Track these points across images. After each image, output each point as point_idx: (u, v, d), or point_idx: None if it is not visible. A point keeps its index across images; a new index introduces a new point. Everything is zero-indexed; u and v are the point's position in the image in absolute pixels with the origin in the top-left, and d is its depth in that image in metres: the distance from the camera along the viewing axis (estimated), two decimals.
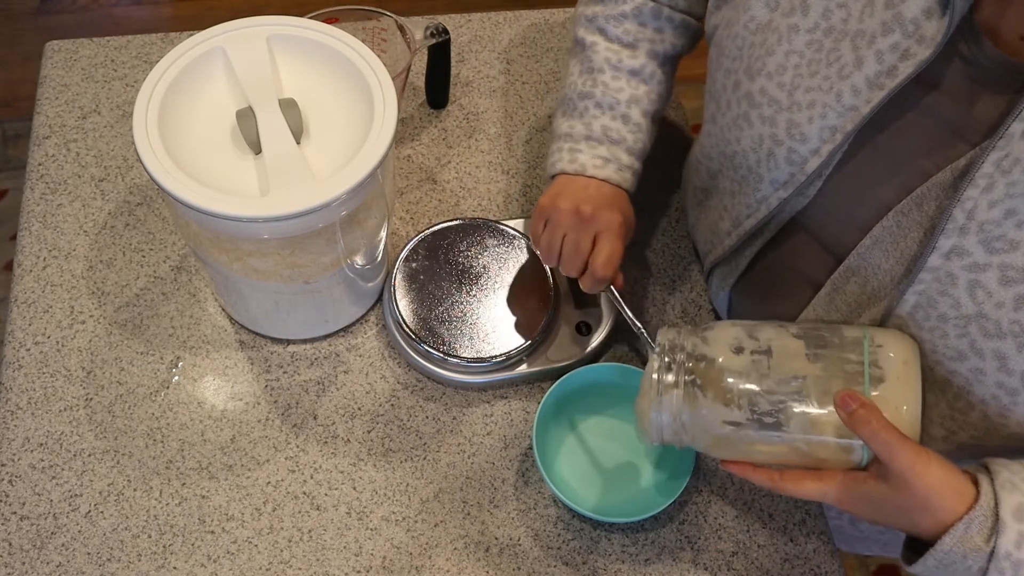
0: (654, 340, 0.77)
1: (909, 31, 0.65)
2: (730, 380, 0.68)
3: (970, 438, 0.73)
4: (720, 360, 0.69)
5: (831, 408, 0.65)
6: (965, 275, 0.65)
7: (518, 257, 0.93)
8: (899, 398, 0.65)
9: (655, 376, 0.71)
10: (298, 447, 0.86)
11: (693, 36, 0.92)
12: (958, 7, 0.62)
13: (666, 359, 0.71)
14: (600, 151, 0.86)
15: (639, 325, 0.83)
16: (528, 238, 0.94)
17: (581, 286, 0.85)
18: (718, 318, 0.96)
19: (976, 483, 0.63)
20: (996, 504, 0.61)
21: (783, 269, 0.83)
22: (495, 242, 0.94)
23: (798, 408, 0.66)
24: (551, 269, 0.92)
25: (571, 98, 0.89)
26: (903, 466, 0.61)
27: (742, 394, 0.67)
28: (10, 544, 0.79)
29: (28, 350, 0.89)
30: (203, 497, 0.83)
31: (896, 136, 0.70)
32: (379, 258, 0.89)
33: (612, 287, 0.84)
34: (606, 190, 0.85)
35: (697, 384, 0.69)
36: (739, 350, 0.69)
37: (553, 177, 0.88)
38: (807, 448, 0.67)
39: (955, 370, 0.68)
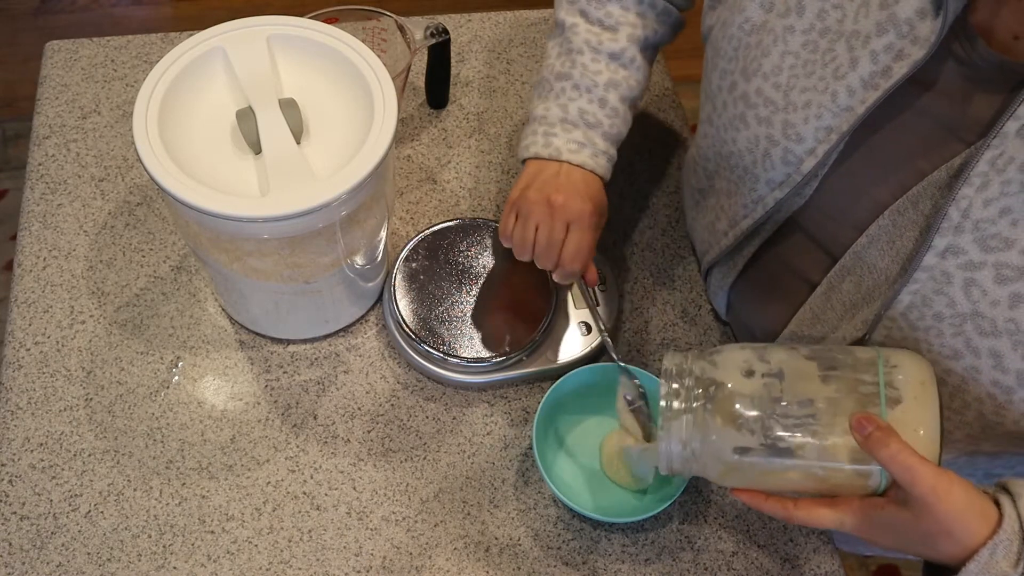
0: (615, 343, 0.77)
1: (903, 32, 0.65)
2: (740, 405, 0.66)
3: (966, 437, 0.73)
4: (730, 385, 0.67)
5: (846, 431, 0.63)
6: (960, 274, 0.65)
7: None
8: (916, 420, 0.63)
9: (663, 403, 0.68)
10: (298, 447, 0.86)
11: (674, 26, 0.91)
12: (951, 7, 0.62)
13: (674, 385, 0.69)
14: (575, 135, 0.84)
15: (603, 326, 0.84)
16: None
17: (554, 278, 0.85)
18: (717, 318, 0.96)
19: (998, 504, 0.60)
20: (1022, 527, 0.59)
21: (780, 268, 0.83)
22: (495, 242, 0.94)
23: (812, 432, 0.64)
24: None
25: (547, 79, 0.88)
26: (924, 490, 0.59)
27: (754, 419, 0.65)
28: (10, 544, 0.79)
29: (28, 350, 0.89)
30: (203, 497, 0.83)
31: (891, 136, 0.70)
32: (379, 258, 0.89)
33: (584, 281, 0.84)
34: (577, 176, 0.83)
35: (707, 409, 0.67)
36: (750, 373, 0.67)
37: (524, 162, 0.87)
38: (822, 473, 0.65)
39: (950, 369, 0.68)
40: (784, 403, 0.65)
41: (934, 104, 0.67)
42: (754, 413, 0.65)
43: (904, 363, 0.66)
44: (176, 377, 0.89)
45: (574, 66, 0.86)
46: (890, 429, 0.61)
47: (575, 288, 0.91)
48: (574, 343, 0.90)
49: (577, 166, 0.83)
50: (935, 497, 0.59)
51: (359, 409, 0.88)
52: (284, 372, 0.90)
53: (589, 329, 0.91)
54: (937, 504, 0.59)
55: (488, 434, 0.88)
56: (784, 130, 0.72)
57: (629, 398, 0.83)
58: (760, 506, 0.67)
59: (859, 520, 0.64)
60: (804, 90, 0.71)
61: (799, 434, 0.64)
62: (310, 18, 0.88)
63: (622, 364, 0.84)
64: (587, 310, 0.92)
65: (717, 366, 0.68)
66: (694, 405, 0.67)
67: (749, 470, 0.67)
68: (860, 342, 0.74)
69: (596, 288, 0.91)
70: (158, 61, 0.77)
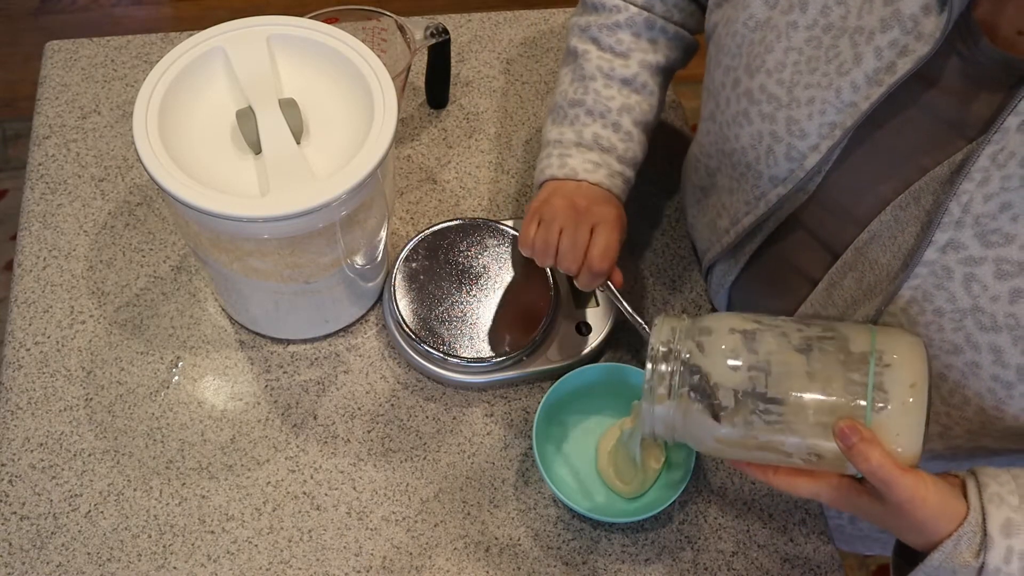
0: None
1: (908, 28, 0.65)
2: (723, 398, 0.65)
3: (966, 433, 0.73)
4: (714, 376, 0.66)
5: (828, 432, 0.63)
6: (961, 269, 0.65)
7: (518, 257, 0.93)
8: (899, 426, 0.62)
9: (647, 387, 0.68)
10: (298, 447, 0.86)
11: (687, 50, 0.91)
12: (956, 3, 0.62)
13: (661, 367, 0.68)
14: (591, 156, 0.85)
15: (641, 322, 0.82)
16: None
17: (577, 283, 0.84)
18: None
19: (965, 493, 0.62)
20: (984, 519, 0.61)
21: (781, 265, 0.83)
22: (495, 242, 0.94)
23: (793, 430, 0.64)
24: (551, 269, 0.92)
25: (561, 106, 0.88)
26: (901, 499, 0.61)
27: (736, 411, 0.65)
28: (10, 544, 0.79)
29: (28, 350, 0.89)
30: (203, 497, 0.83)
31: (894, 132, 0.70)
32: (379, 258, 0.89)
33: (611, 284, 0.84)
34: (599, 191, 0.84)
35: (691, 398, 0.67)
36: (735, 367, 0.66)
37: (541, 185, 0.87)
38: (802, 463, 0.66)
39: (951, 364, 0.68)
40: (768, 398, 0.64)
41: (937, 100, 0.67)
42: (737, 406, 0.65)
43: (897, 361, 0.64)
44: (176, 377, 0.89)
45: (587, 92, 0.86)
46: (873, 439, 0.61)
47: (603, 293, 0.88)
48: (574, 343, 0.90)
49: (594, 184, 0.84)
50: (911, 506, 0.61)
51: (359, 409, 0.88)
52: (284, 372, 0.90)
53: (589, 329, 0.91)
54: (912, 512, 0.61)
55: (488, 434, 0.88)
56: (787, 126, 0.73)
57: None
58: (742, 468, 0.69)
59: (835, 496, 0.66)
60: (808, 86, 0.71)
61: (781, 431, 0.65)
62: (310, 18, 0.88)
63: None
64: (592, 308, 0.92)
65: (704, 351, 0.67)
66: (679, 390, 0.67)
67: (729, 453, 0.68)
68: None
69: (612, 288, 0.85)
70: (158, 61, 0.77)
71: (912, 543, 0.64)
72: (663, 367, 0.68)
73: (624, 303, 0.83)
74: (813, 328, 0.68)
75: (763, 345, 0.66)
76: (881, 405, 0.62)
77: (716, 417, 0.66)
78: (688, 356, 0.67)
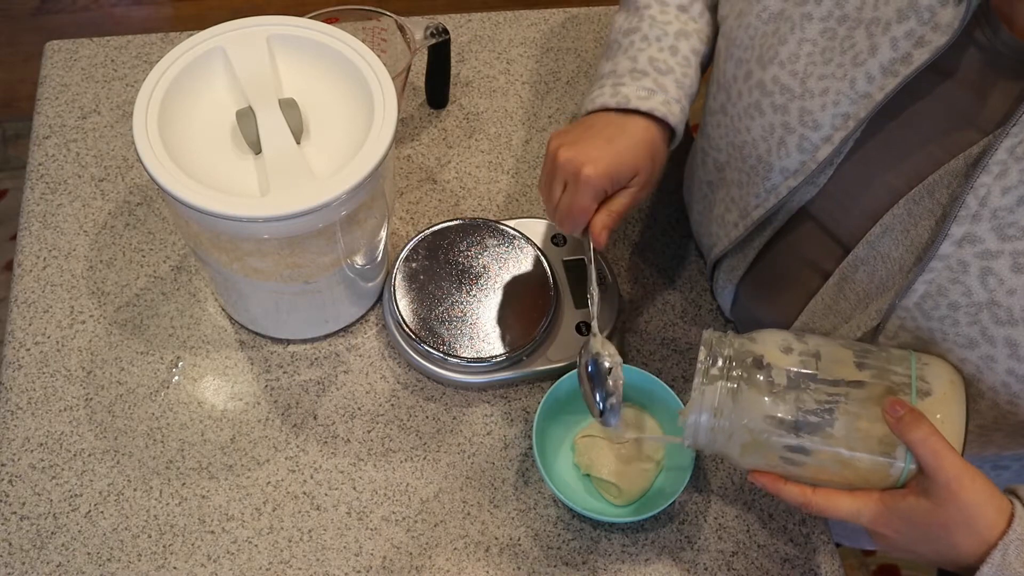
0: (613, 343, 0.76)
1: (925, 18, 0.65)
2: (776, 376, 0.67)
3: (978, 428, 0.73)
4: (768, 357, 0.68)
5: (876, 417, 0.64)
6: (977, 262, 0.65)
7: (518, 257, 0.93)
8: (944, 412, 0.64)
9: (700, 367, 0.69)
10: (298, 447, 0.86)
11: None
12: None
13: (717, 361, 0.69)
14: (645, 83, 0.82)
15: (601, 266, 0.78)
16: (527, 239, 0.94)
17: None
18: (719, 317, 0.96)
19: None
20: None
21: (791, 260, 0.83)
22: (495, 242, 0.94)
23: (842, 411, 0.65)
24: (551, 269, 0.92)
25: (615, 39, 0.86)
26: (949, 476, 0.60)
27: (788, 390, 0.66)
28: (10, 544, 0.79)
29: (28, 350, 0.89)
30: (203, 497, 0.83)
31: (907, 123, 0.70)
32: (379, 258, 0.89)
33: (590, 237, 0.80)
34: (630, 133, 0.80)
35: (744, 378, 0.68)
36: (788, 350, 0.69)
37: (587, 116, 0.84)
38: (847, 455, 0.65)
39: (965, 358, 0.68)
40: (819, 379, 0.67)
41: (952, 92, 0.67)
42: (789, 384, 0.67)
43: (935, 363, 0.68)
44: (176, 377, 0.89)
45: (642, 20, 0.85)
46: (921, 414, 0.62)
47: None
48: (574, 343, 0.90)
49: (646, 113, 0.81)
50: (958, 484, 0.60)
51: (359, 409, 0.88)
52: (284, 372, 0.90)
53: (589, 329, 0.91)
54: (960, 492, 0.60)
55: (488, 434, 0.88)
56: (800, 117, 0.73)
57: (607, 365, 0.78)
58: (779, 491, 0.68)
59: (877, 511, 0.64)
60: (822, 77, 0.71)
61: (829, 411, 0.65)
62: (310, 18, 0.88)
63: (596, 335, 0.80)
64: (589, 309, 0.92)
65: (756, 342, 0.70)
66: (731, 373, 0.68)
67: (774, 446, 0.67)
68: (874, 332, 0.74)
69: (595, 278, 0.82)
70: (158, 61, 0.77)
71: (960, 548, 0.61)
72: (716, 357, 0.69)
73: (591, 256, 0.80)
74: (853, 341, 0.73)
75: (811, 340, 0.70)
76: (925, 393, 0.65)
77: (769, 394, 0.67)
78: (740, 346, 0.70)
